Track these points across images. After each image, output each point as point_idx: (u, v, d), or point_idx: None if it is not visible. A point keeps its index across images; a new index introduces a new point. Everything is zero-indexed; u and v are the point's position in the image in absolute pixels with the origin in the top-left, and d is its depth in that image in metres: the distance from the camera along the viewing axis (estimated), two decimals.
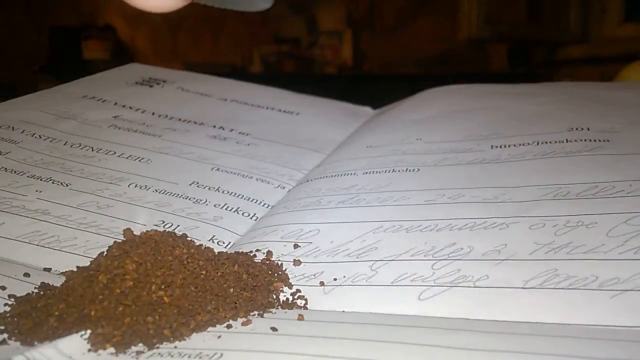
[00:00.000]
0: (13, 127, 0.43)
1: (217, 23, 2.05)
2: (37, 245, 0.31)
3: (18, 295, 0.25)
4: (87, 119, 0.46)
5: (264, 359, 0.21)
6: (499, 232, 0.28)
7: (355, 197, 0.34)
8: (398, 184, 0.35)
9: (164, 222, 0.34)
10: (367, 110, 0.55)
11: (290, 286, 0.27)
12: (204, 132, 0.46)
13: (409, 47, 1.93)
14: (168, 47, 2.12)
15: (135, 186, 0.37)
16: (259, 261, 0.28)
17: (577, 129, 0.37)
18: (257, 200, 0.37)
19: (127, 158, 0.40)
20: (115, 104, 0.49)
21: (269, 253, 0.30)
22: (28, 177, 0.37)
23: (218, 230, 0.33)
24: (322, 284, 0.27)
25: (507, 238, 0.27)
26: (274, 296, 0.26)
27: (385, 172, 0.37)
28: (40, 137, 0.42)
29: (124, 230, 0.27)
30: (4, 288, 0.26)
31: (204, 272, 0.25)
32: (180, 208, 0.35)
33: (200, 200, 0.36)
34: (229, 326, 0.23)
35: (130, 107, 0.49)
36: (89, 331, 0.22)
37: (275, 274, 0.27)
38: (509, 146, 0.37)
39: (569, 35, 1.81)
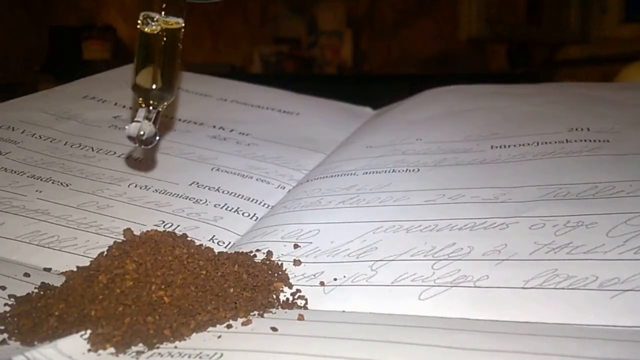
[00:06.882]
0: (13, 127, 0.43)
1: (217, 23, 2.05)
2: (37, 245, 0.31)
3: (18, 295, 0.25)
4: (87, 119, 0.46)
5: (264, 359, 0.21)
6: (499, 232, 0.28)
7: (355, 197, 0.34)
8: (398, 184, 0.35)
9: (164, 222, 0.34)
10: (367, 110, 0.55)
11: (290, 286, 0.27)
12: (204, 132, 0.46)
13: (409, 47, 1.93)
14: None
15: (135, 186, 0.37)
16: (259, 261, 0.28)
17: (577, 129, 0.37)
18: (257, 201, 0.37)
19: (127, 158, 0.40)
20: (115, 104, 0.49)
21: (269, 253, 0.30)
22: (28, 177, 0.37)
23: (218, 230, 0.33)
24: (322, 284, 0.27)
25: (507, 238, 0.27)
26: (274, 296, 0.26)
27: (385, 172, 0.37)
28: (40, 137, 0.42)
29: (124, 230, 0.27)
30: (4, 288, 0.26)
31: (204, 272, 0.25)
32: (180, 208, 0.35)
33: (200, 200, 0.36)
34: (229, 326, 0.23)
35: (130, 108, 0.49)
36: (89, 331, 0.22)
37: (276, 274, 0.27)
38: (509, 146, 0.37)
39: (569, 35, 1.81)
